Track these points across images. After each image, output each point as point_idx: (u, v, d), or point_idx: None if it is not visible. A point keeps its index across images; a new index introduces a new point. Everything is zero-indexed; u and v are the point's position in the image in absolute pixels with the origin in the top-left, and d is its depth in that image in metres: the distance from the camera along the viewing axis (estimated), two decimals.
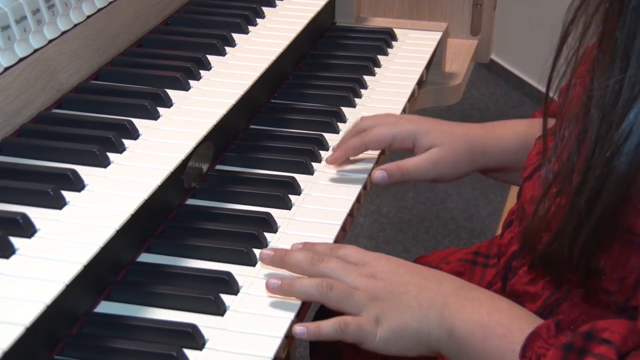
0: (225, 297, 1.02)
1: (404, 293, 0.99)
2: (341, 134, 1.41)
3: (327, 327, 0.99)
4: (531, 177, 1.11)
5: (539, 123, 1.27)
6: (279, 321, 1.00)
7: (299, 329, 0.99)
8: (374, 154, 1.35)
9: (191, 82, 1.31)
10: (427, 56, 1.67)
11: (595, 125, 0.88)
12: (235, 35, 1.47)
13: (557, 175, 0.94)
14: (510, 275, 1.09)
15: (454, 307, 0.97)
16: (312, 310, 1.14)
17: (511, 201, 2.30)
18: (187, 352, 0.94)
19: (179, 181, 1.19)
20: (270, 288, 1.02)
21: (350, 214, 1.21)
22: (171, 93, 1.27)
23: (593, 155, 0.88)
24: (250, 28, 1.52)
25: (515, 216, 1.16)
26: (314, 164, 1.31)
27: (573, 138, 0.92)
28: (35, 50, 1.18)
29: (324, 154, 1.34)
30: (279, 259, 1.05)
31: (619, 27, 0.86)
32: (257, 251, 1.10)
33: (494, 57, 4.16)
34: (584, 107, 0.90)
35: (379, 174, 1.26)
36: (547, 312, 1.00)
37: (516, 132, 1.30)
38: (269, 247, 1.12)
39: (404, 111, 1.50)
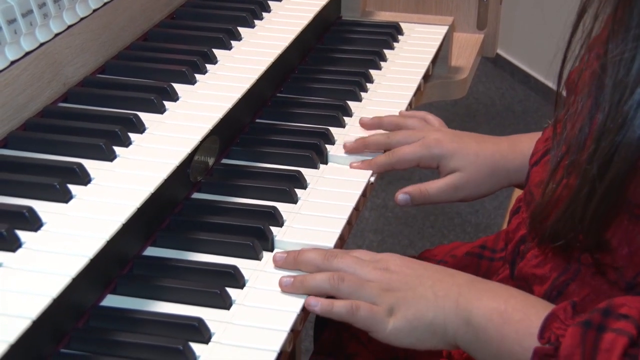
0: (231, 291, 1.02)
1: (419, 285, 1.00)
2: (347, 127, 1.41)
3: (339, 306, 1.00)
4: (539, 162, 1.11)
5: None
6: (285, 315, 1.00)
7: (313, 301, 1.00)
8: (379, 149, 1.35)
9: (197, 76, 1.31)
10: (433, 50, 1.67)
11: (608, 93, 0.88)
12: (241, 29, 1.47)
13: (567, 151, 0.94)
14: (519, 260, 1.10)
15: (469, 296, 0.98)
16: None
17: (517, 195, 2.29)
18: (193, 345, 0.94)
19: (185, 175, 1.19)
20: (283, 286, 1.03)
21: (356, 208, 1.21)
22: (177, 87, 1.27)
23: (605, 124, 0.88)
24: (256, 22, 1.52)
25: (522, 203, 1.16)
26: (320, 158, 1.31)
27: (585, 111, 0.92)
28: (42, 44, 1.18)
29: (330, 148, 1.34)
30: (292, 259, 1.06)
31: None
32: (263, 245, 1.10)
33: (500, 51, 4.15)
34: (597, 79, 0.90)
35: (402, 197, 1.29)
36: (555, 294, 1.01)
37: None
38: (276, 240, 1.12)
39: (410, 105, 1.50)
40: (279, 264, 1.06)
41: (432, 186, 1.29)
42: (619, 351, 0.84)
